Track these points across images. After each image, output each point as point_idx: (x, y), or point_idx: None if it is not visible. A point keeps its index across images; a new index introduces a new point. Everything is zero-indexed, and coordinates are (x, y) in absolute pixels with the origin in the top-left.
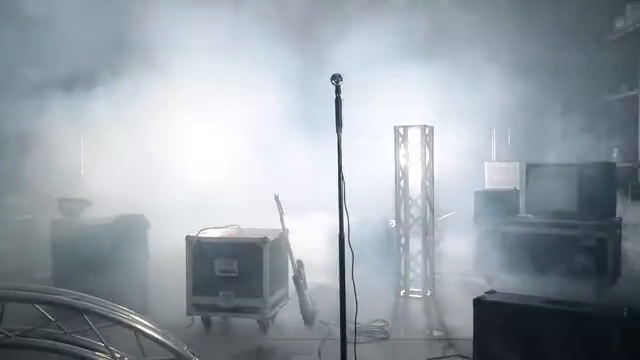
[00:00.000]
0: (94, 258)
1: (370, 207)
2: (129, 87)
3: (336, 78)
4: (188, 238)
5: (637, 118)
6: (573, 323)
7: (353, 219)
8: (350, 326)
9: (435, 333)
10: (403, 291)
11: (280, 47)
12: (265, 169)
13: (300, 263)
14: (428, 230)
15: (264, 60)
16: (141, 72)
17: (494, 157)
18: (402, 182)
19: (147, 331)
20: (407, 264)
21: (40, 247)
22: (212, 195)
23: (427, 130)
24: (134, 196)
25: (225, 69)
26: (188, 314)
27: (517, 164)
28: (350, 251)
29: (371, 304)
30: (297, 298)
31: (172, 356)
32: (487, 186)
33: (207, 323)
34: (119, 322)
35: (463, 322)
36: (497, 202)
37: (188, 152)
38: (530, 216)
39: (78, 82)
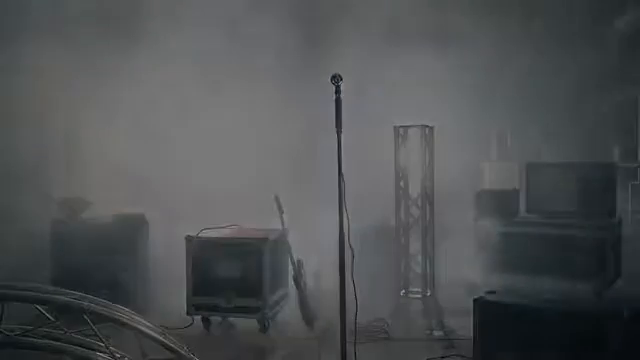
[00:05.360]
0: (94, 258)
1: (370, 207)
2: (128, 82)
3: (336, 78)
4: (188, 238)
5: (637, 118)
6: (573, 323)
7: (353, 219)
8: (350, 326)
9: (435, 333)
10: (403, 291)
11: (279, 46)
12: (265, 168)
13: (300, 263)
14: (428, 230)
15: (264, 60)
16: (140, 69)
17: (494, 157)
18: (402, 182)
19: (147, 331)
20: (407, 264)
21: (40, 247)
22: (212, 195)
23: (427, 130)
24: (134, 196)
25: (225, 68)
26: (188, 314)
27: (517, 164)
28: (350, 251)
29: (371, 304)
30: (297, 298)
31: (172, 356)
32: (487, 186)
33: (207, 323)
34: (119, 322)
35: (463, 322)
36: (497, 202)
37: (188, 151)
38: (530, 216)
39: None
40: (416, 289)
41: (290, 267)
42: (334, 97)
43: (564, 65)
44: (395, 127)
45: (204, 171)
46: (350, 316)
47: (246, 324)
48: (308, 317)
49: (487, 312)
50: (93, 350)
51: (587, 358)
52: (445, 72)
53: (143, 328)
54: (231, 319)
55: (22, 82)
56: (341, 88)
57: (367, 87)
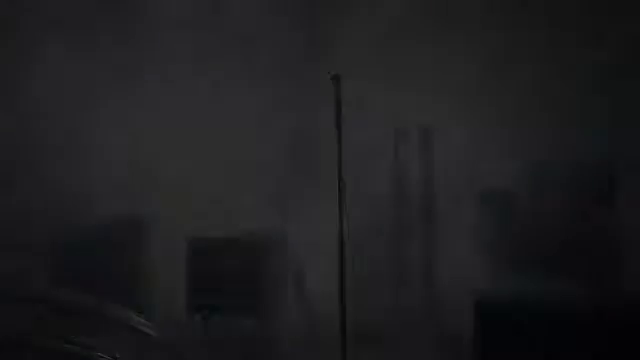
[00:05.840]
0: (94, 258)
1: (370, 207)
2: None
3: (336, 78)
4: (188, 238)
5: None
6: (573, 323)
7: (353, 219)
8: (350, 326)
9: (432, 332)
10: (403, 291)
11: (278, 46)
12: (265, 169)
13: (300, 263)
14: (428, 230)
15: (263, 60)
16: (140, 69)
17: (494, 157)
18: (402, 182)
19: (147, 331)
20: (407, 264)
21: (40, 247)
22: (212, 195)
23: (427, 130)
24: (134, 196)
25: (226, 68)
26: (187, 314)
27: (517, 163)
28: (350, 251)
29: (370, 304)
30: (297, 298)
31: (172, 356)
32: (487, 186)
33: (207, 323)
34: (119, 322)
35: (463, 322)
36: (497, 202)
37: (189, 152)
38: (531, 216)
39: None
40: (415, 289)
41: (289, 267)
42: (334, 97)
43: (566, 65)
44: (395, 127)
45: (204, 171)
46: (350, 316)
47: (246, 324)
48: (307, 316)
49: (487, 312)
50: (93, 350)
51: (587, 358)
52: (446, 72)
53: (142, 328)
54: (231, 319)
55: (25, 81)
56: (341, 88)
57: (368, 87)
